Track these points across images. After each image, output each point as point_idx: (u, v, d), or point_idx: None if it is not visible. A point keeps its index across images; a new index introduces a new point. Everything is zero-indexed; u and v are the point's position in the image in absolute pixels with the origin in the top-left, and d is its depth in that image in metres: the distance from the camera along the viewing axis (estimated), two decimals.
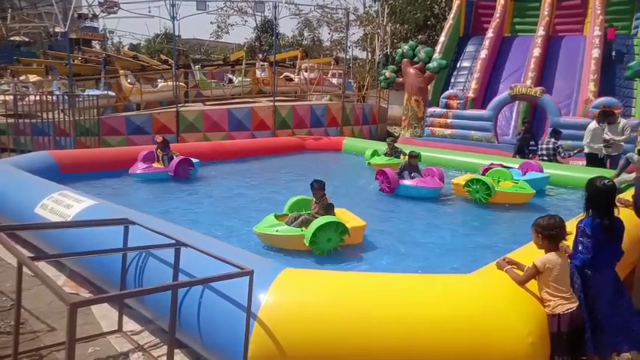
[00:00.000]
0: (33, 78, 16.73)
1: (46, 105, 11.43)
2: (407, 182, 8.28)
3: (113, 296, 3.63)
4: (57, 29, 25.00)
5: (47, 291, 4.25)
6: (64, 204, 5.10)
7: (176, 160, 9.32)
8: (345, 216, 5.84)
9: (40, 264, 4.11)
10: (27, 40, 27.23)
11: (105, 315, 4.00)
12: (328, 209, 5.71)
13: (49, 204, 5.23)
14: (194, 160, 9.64)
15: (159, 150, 9.55)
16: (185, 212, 7.13)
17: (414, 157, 8.82)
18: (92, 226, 4.12)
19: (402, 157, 11.27)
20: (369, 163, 11.51)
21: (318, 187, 5.83)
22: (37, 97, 12.05)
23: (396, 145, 11.99)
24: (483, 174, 9.27)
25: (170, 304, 2.85)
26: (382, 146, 12.20)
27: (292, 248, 5.38)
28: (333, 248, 5.26)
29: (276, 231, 5.45)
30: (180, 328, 3.17)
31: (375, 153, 11.76)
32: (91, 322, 3.89)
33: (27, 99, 12.22)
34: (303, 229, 5.44)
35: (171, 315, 2.86)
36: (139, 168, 9.31)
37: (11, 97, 12.36)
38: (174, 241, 3.45)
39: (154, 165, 9.44)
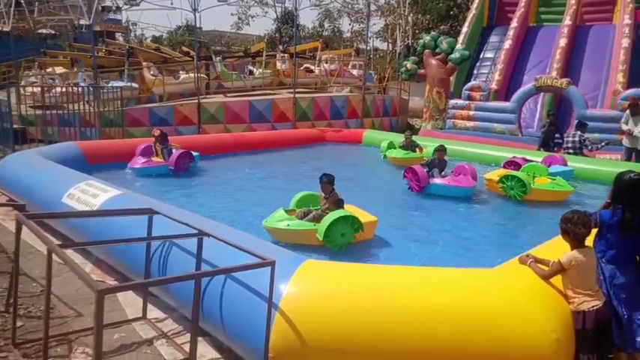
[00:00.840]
0: (59, 70, 17.07)
1: (72, 96, 11.66)
2: (438, 181, 7.87)
3: (138, 284, 3.71)
4: (82, 22, 25.43)
5: (74, 278, 4.38)
6: (90, 193, 5.22)
7: (176, 153, 9.06)
8: (355, 212, 5.62)
9: (67, 252, 4.21)
10: (53, 32, 27.79)
11: (130, 302, 4.09)
12: (339, 205, 5.52)
13: (75, 193, 5.35)
14: (194, 153, 9.46)
15: (157, 144, 9.23)
16: (200, 205, 7.06)
17: (442, 150, 8.38)
18: (117, 215, 4.21)
19: (417, 150, 11.03)
20: (385, 156, 11.35)
21: (327, 181, 5.58)
22: (63, 89, 12.31)
23: (413, 138, 11.59)
24: (504, 167, 9.14)
25: (193, 293, 2.90)
26: (399, 138, 11.88)
27: (304, 243, 5.24)
28: (346, 243, 5.16)
29: (288, 225, 5.27)
30: (202, 316, 3.23)
31: (390, 145, 11.45)
32: (117, 309, 3.98)
33: (53, 90, 12.50)
34: (316, 224, 5.29)
35: (195, 304, 2.90)
36: (138, 162, 8.99)
37: (39, 88, 12.65)
38: (196, 231, 3.50)
39: (153, 159, 9.17)
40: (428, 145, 11.31)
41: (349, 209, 5.72)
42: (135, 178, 8.75)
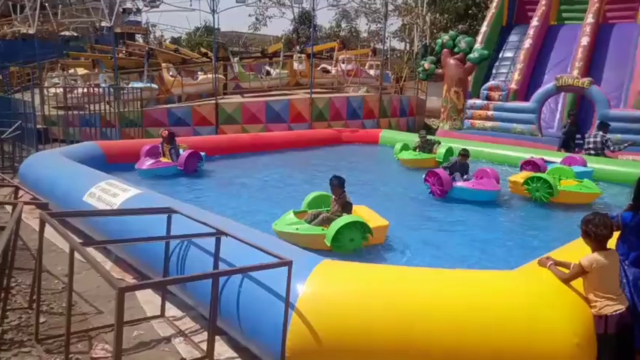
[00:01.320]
0: (81, 71, 17.39)
1: (93, 97, 11.88)
2: (461, 184, 7.63)
3: (158, 282, 3.75)
4: (103, 24, 25.86)
5: (95, 275, 4.46)
6: (110, 192, 5.31)
7: (185, 154, 9.02)
8: (366, 214, 5.59)
9: (88, 250, 4.29)
10: (75, 34, 28.31)
11: (148, 300, 4.14)
12: (345, 208, 5.45)
13: (96, 192, 5.46)
14: (201, 153, 9.43)
15: (165, 144, 9.18)
16: (210, 205, 6.98)
17: (466, 155, 8.14)
18: (137, 214, 4.27)
19: (435, 147, 10.83)
20: (398, 159, 11.18)
21: (337, 183, 5.54)
22: (85, 90, 12.54)
23: (429, 137, 11.37)
24: (522, 167, 9.00)
25: (211, 291, 2.92)
26: (415, 138, 11.56)
27: (313, 247, 5.13)
28: (355, 249, 5.08)
29: (297, 229, 5.24)
30: (220, 315, 3.25)
31: (405, 147, 11.26)
32: (135, 307, 4.03)
33: (75, 91, 12.74)
34: (324, 228, 5.23)
35: (212, 302, 2.93)
36: (146, 163, 8.86)
37: (61, 89, 12.92)
38: (215, 230, 3.53)
39: (161, 160, 9.09)
40: (446, 145, 11.18)
41: (361, 211, 5.66)
42: (153, 178, 8.77)
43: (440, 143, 10.92)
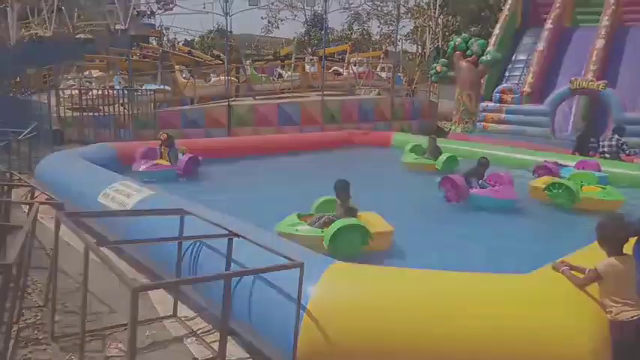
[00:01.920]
0: (96, 73, 17.64)
1: (108, 99, 12.03)
2: (478, 192, 7.44)
3: (172, 282, 3.78)
4: (117, 26, 26.18)
5: (109, 275, 4.49)
6: (124, 193, 5.37)
7: (185, 157, 8.93)
8: (373, 219, 5.48)
9: (102, 250, 4.33)
10: (90, 37, 28.69)
11: (160, 300, 4.17)
12: (349, 212, 5.37)
13: (110, 193, 5.52)
14: (199, 157, 9.32)
15: (163, 147, 9.11)
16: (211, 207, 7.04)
17: (485, 164, 7.84)
18: (150, 215, 4.31)
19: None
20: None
21: (340, 187, 5.48)
22: (100, 92, 12.71)
23: (439, 140, 11.16)
24: (534, 172, 8.89)
25: (223, 292, 2.94)
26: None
27: (312, 249, 5.20)
28: (354, 252, 4.90)
29: (296, 230, 5.20)
30: (231, 316, 3.26)
31: (413, 149, 11.05)
32: (148, 307, 4.06)
33: (90, 93, 12.92)
34: (325, 230, 5.16)
35: (224, 303, 2.94)
36: (143, 165, 8.72)
37: (76, 91, 13.11)
38: (227, 232, 3.54)
39: (157, 162, 8.97)
40: (458, 149, 11.08)
41: (368, 216, 5.57)
42: (163, 178, 8.61)
43: (441, 154, 10.76)
